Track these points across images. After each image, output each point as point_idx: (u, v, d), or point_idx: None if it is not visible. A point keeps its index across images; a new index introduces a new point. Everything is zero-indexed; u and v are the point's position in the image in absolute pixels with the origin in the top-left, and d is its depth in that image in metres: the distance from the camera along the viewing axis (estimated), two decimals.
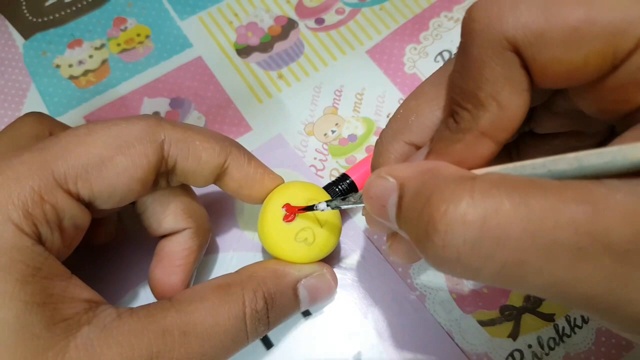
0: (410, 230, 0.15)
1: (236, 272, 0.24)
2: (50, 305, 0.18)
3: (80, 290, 0.20)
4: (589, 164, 0.14)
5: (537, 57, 0.15)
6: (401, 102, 0.33)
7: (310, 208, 0.23)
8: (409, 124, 0.20)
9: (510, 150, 0.22)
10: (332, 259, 0.28)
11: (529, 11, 0.14)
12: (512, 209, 0.13)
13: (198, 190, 0.27)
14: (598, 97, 0.16)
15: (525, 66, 0.15)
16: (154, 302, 0.21)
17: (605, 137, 0.19)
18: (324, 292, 0.26)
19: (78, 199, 0.21)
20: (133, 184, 0.21)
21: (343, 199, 0.22)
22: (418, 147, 0.20)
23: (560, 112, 0.19)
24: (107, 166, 0.21)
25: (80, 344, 0.18)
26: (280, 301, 0.23)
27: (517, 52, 0.15)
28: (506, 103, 0.16)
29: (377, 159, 0.21)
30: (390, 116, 0.21)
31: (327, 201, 0.23)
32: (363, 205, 0.21)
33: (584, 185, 0.13)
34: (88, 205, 0.21)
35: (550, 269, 0.13)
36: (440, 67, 0.20)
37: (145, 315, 0.20)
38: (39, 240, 0.19)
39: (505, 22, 0.15)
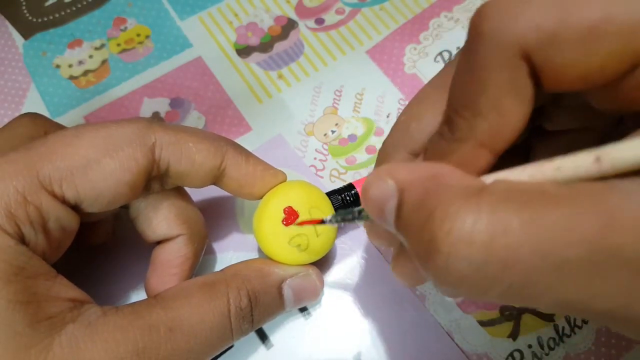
0: (410, 243, 0.15)
1: (221, 270, 0.24)
2: (33, 303, 0.18)
3: (65, 290, 0.20)
4: (607, 164, 0.13)
5: (550, 61, 0.14)
6: (401, 102, 0.34)
7: (319, 222, 0.23)
8: (410, 131, 0.19)
9: (519, 146, 0.21)
10: (332, 259, 0.29)
11: (542, 11, 0.14)
12: (521, 228, 0.12)
13: (197, 191, 0.27)
14: (614, 96, 0.15)
15: (534, 74, 0.14)
16: (139, 300, 0.21)
17: (613, 127, 0.19)
18: (310, 292, 0.25)
19: (63, 201, 0.20)
20: (121, 188, 0.21)
21: (342, 218, 0.20)
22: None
23: (570, 107, 0.18)
24: (94, 168, 0.20)
25: (64, 341, 0.18)
26: (264, 300, 0.23)
27: (528, 57, 0.14)
28: (507, 112, 0.15)
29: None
30: (392, 118, 0.21)
31: (332, 216, 0.22)
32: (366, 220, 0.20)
33: (597, 193, 0.12)
34: (75, 207, 0.21)
35: (563, 288, 0.12)
36: (444, 68, 0.19)
37: (131, 312, 0.20)
38: (22, 240, 0.19)
39: (516, 24, 0.14)
